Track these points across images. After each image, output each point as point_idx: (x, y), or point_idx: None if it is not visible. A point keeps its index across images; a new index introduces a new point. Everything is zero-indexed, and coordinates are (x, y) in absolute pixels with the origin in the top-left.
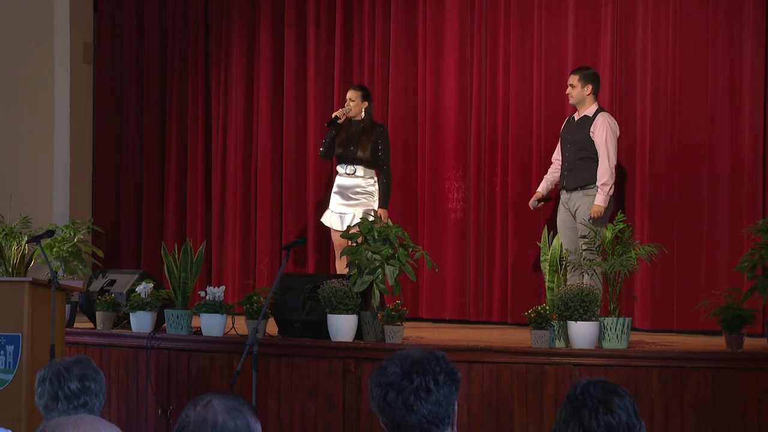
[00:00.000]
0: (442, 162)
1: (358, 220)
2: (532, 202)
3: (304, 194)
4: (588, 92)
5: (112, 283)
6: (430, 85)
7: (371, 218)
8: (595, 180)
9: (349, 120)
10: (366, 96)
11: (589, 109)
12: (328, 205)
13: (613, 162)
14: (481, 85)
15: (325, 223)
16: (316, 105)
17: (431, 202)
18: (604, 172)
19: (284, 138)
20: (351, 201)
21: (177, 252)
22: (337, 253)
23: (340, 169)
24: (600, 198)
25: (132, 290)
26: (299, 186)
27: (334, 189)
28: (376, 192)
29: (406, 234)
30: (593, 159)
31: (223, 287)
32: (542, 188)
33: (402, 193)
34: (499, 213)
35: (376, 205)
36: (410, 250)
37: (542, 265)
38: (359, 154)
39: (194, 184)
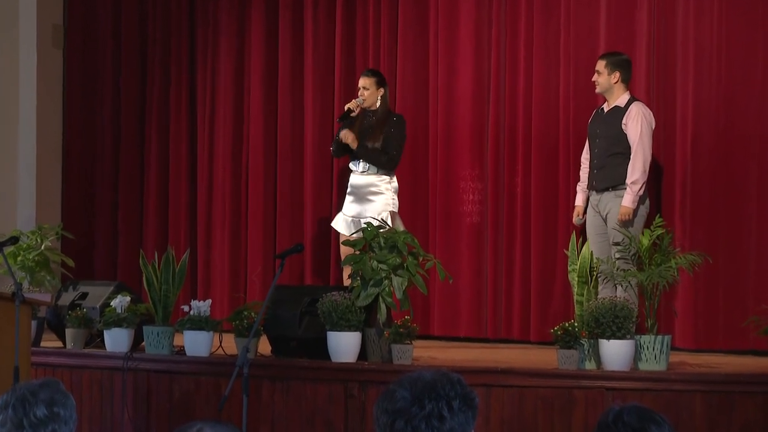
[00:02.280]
0: (456, 160)
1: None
2: (576, 220)
3: (301, 196)
4: (615, 80)
5: (84, 296)
6: (442, 72)
7: (382, 221)
8: (626, 179)
9: (363, 111)
10: (381, 82)
11: (620, 99)
12: (339, 209)
13: (648, 158)
14: (500, 73)
15: (335, 228)
16: (315, 96)
17: (444, 205)
18: (636, 169)
19: (279, 133)
20: (364, 203)
21: (157, 261)
22: (342, 262)
23: (352, 166)
24: (628, 198)
25: (106, 304)
26: (296, 187)
27: (348, 189)
28: (394, 191)
29: (416, 241)
30: (626, 155)
31: (209, 301)
32: (581, 200)
33: (411, 195)
34: (520, 217)
35: (394, 207)
36: (421, 259)
37: (570, 276)
38: (370, 147)
39: (177, 184)
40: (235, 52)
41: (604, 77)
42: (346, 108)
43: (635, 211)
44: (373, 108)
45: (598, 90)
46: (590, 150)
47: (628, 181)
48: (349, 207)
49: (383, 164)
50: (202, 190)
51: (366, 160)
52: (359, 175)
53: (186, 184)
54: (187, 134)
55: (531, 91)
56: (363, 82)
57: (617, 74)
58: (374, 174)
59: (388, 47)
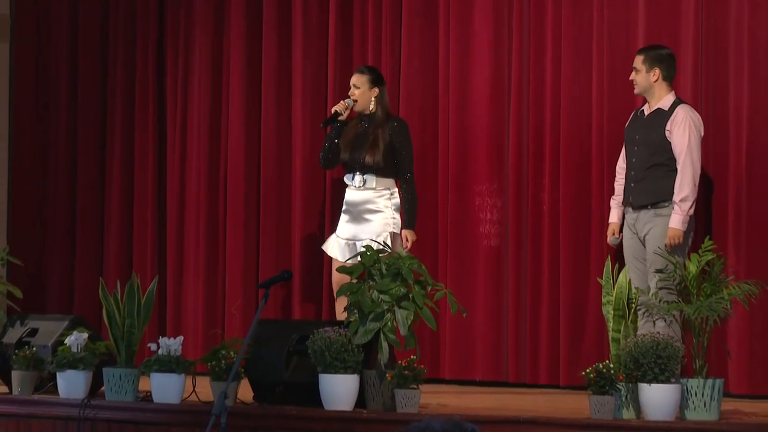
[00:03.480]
0: (471, 172)
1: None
2: (611, 239)
3: (288, 215)
4: (655, 78)
5: (33, 332)
6: (455, 69)
7: (382, 243)
8: (671, 195)
9: (358, 115)
10: (376, 80)
11: (664, 100)
12: (333, 230)
13: (698, 171)
14: (522, 69)
15: (327, 252)
16: (305, 98)
17: (456, 226)
18: (685, 185)
19: (262, 142)
20: (361, 222)
21: (120, 291)
22: (335, 292)
23: (347, 180)
24: (677, 219)
25: (60, 342)
26: (282, 205)
27: (343, 207)
28: (395, 208)
29: (423, 267)
30: (669, 167)
31: (181, 338)
32: (617, 216)
33: (418, 213)
34: (546, 239)
35: (395, 227)
36: (429, 288)
37: (604, 308)
38: (367, 159)
39: (144, 202)
40: (212, 48)
41: (642, 75)
42: (332, 111)
43: (683, 234)
44: (367, 112)
45: (636, 90)
46: (627, 158)
47: (676, 198)
48: (344, 228)
49: (416, 198)
50: (172, 209)
51: (412, 215)
52: (355, 190)
53: (154, 202)
54: (156, 144)
55: (559, 91)
56: (355, 79)
57: (657, 71)
58: (372, 189)
59: (391, 40)
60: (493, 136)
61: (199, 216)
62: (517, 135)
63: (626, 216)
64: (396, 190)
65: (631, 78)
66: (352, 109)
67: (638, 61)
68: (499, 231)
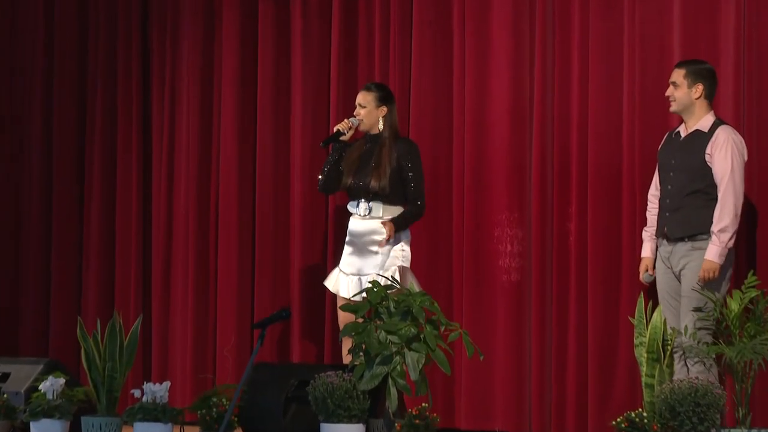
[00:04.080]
0: (489, 199)
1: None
2: (644, 277)
3: (286, 246)
4: (697, 95)
5: (4, 377)
6: (470, 85)
7: (390, 278)
8: (710, 226)
9: (364, 136)
10: (384, 98)
11: (703, 121)
12: (337, 263)
13: (740, 199)
14: (545, 86)
15: (330, 288)
16: (305, 112)
17: (473, 259)
18: (725, 214)
19: (258, 162)
20: (366, 255)
21: (100, 331)
22: (340, 333)
23: (350, 208)
24: (714, 251)
25: (34, 388)
26: (280, 234)
27: (347, 238)
28: (404, 239)
29: (436, 305)
30: (709, 195)
31: (167, 383)
32: (650, 249)
33: (429, 245)
34: (573, 274)
35: (404, 260)
36: (443, 328)
37: (637, 351)
38: (372, 184)
39: (126, 231)
40: (201, 57)
41: (683, 91)
42: (335, 129)
43: (721, 268)
44: (373, 132)
45: (673, 108)
46: (661, 185)
47: (715, 228)
48: (348, 261)
49: (417, 216)
50: (158, 240)
51: (404, 221)
52: (360, 219)
53: (138, 232)
54: (139, 166)
55: (586, 110)
56: (361, 98)
57: (699, 88)
58: (378, 218)
59: (400, 50)
60: (514, 160)
61: (188, 247)
62: (540, 158)
63: (660, 249)
64: None
65: (667, 94)
66: (357, 128)
67: (678, 75)
68: (520, 265)
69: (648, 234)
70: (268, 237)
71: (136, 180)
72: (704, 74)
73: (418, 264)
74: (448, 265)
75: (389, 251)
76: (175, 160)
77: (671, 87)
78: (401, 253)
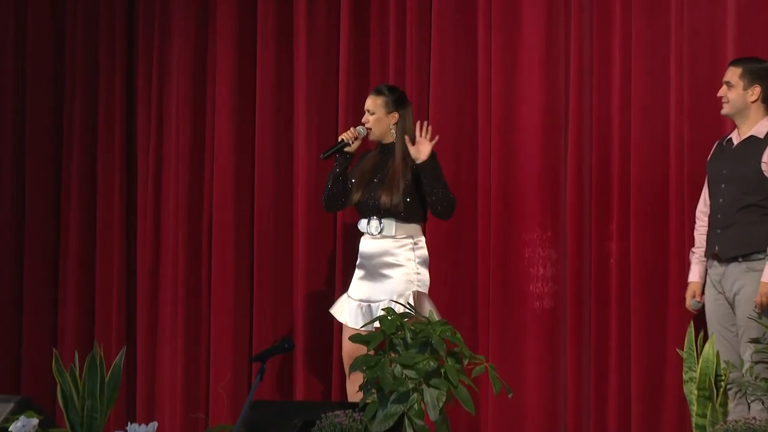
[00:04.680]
0: (519, 216)
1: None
2: (690, 303)
3: (289, 267)
4: (754, 98)
5: None
6: (498, 87)
7: (406, 305)
8: (766, 244)
9: (376, 146)
10: (397, 103)
11: (759, 126)
12: (345, 288)
13: None
14: (583, 85)
15: (337, 317)
16: (309, 115)
17: (501, 283)
18: None
19: (256, 174)
20: (378, 279)
21: (78, 365)
22: (347, 367)
23: (361, 227)
24: None
25: (4, 429)
26: (281, 256)
27: (357, 260)
28: (420, 261)
29: (459, 335)
30: (766, 209)
31: (155, 424)
32: (698, 273)
33: (451, 268)
34: (614, 301)
35: (420, 285)
36: (466, 362)
37: (686, 387)
38: (383, 200)
39: (108, 253)
40: (194, 56)
41: (738, 92)
42: (339, 139)
43: None
44: (385, 141)
45: (725, 111)
46: (711, 199)
47: None
48: (358, 286)
49: (452, 202)
50: (144, 262)
51: (439, 174)
52: (371, 239)
53: (121, 254)
54: (122, 174)
55: (629, 115)
56: (368, 103)
57: (757, 90)
58: (391, 238)
59: (417, 49)
60: (547, 172)
61: (178, 268)
62: (577, 169)
63: (710, 272)
64: (422, 238)
65: (720, 95)
66: (366, 138)
67: (734, 74)
68: (554, 290)
69: (696, 256)
70: (269, 258)
71: (118, 192)
72: (763, 75)
73: (437, 289)
74: (472, 291)
75: (404, 275)
76: (163, 171)
77: (724, 87)
78: (416, 276)
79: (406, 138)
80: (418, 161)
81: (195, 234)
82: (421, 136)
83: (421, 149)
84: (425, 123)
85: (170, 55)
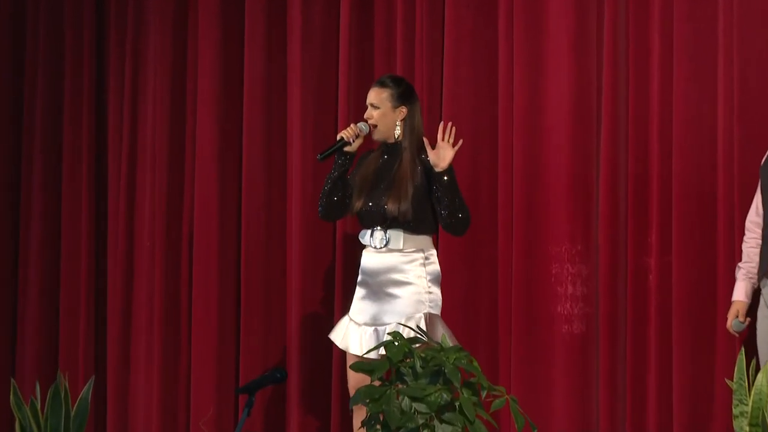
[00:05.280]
0: (545, 227)
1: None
2: (732, 324)
3: (281, 286)
4: None
5: None
6: (520, 76)
7: (415, 329)
8: None
9: (379, 146)
10: (404, 96)
11: None
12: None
13: None
14: (617, 77)
15: (337, 343)
16: (305, 114)
17: (524, 303)
18: None
19: (244, 181)
20: (383, 300)
21: (41, 397)
22: (350, 400)
23: (363, 239)
24: None
25: None
26: (272, 273)
27: (358, 277)
28: (431, 278)
29: (476, 363)
30: None
31: None
32: (743, 291)
33: (468, 287)
34: (654, 323)
35: (432, 306)
36: (484, 393)
37: (736, 422)
38: (389, 208)
39: (75, 266)
40: (172, 52)
41: None
42: (338, 137)
43: None
44: (391, 140)
45: None
46: (764, 209)
47: None
48: (360, 308)
49: (467, 218)
50: (115, 282)
51: (456, 188)
52: (375, 253)
53: (89, 273)
54: (91, 182)
55: (670, 114)
56: (373, 96)
57: None
58: (398, 251)
59: (429, 40)
60: (577, 178)
61: (154, 290)
62: (611, 175)
63: (764, 291)
64: (433, 252)
65: None
66: (368, 136)
67: None
68: (584, 311)
69: (743, 272)
70: (258, 275)
71: (86, 202)
72: None
73: (450, 310)
74: (491, 312)
75: (413, 294)
76: (137, 178)
77: None
78: (427, 296)
79: (425, 140)
80: (438, 169)
81: (173, 248)
82: (443, 139)
83: (443, 155)
84: (449, 124)
85: (146, 44)
